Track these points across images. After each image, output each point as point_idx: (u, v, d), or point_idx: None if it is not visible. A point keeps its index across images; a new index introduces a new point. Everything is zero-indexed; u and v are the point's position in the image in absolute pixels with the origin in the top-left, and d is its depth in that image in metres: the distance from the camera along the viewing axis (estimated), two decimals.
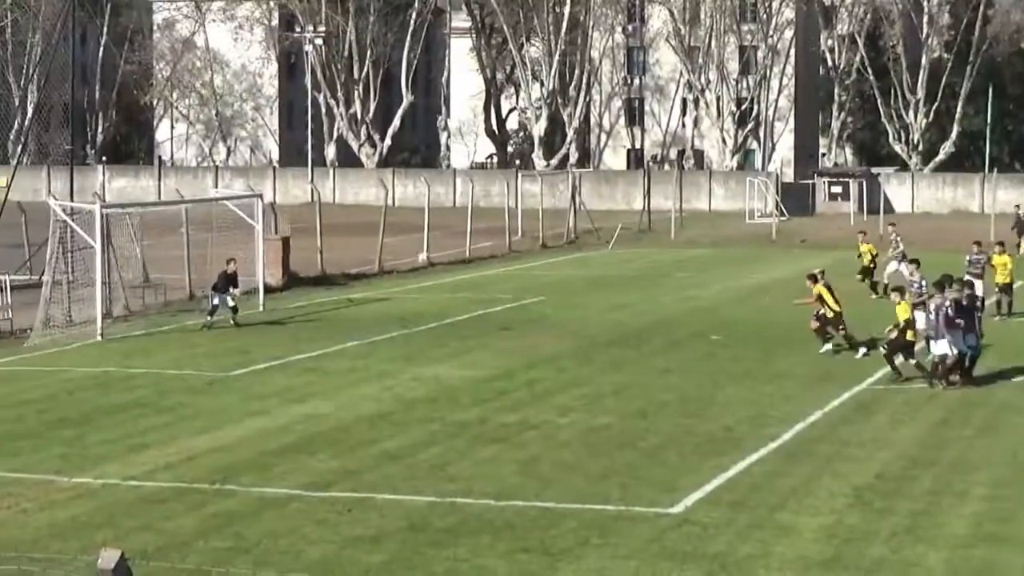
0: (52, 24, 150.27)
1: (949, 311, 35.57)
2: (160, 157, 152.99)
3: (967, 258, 47.71)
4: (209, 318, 46.24)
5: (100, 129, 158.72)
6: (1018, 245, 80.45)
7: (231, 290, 46.51)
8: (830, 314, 40.62)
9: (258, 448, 28.97)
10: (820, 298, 40.88)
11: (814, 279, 41.93)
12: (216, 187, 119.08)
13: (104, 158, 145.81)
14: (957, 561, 21.49)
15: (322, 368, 39.34)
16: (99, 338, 44.24)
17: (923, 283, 42.46)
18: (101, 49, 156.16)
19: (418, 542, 22.26)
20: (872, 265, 57.12)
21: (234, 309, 46.76)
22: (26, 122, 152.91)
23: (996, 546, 22.31)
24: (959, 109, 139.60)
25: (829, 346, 40.98)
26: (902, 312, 36.91)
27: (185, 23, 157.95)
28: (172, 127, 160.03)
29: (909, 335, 36.66)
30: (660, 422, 31.91)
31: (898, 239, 59.58)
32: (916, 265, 44.55)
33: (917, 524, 23.46)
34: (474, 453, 28.67)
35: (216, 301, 46.18)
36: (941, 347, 35.43)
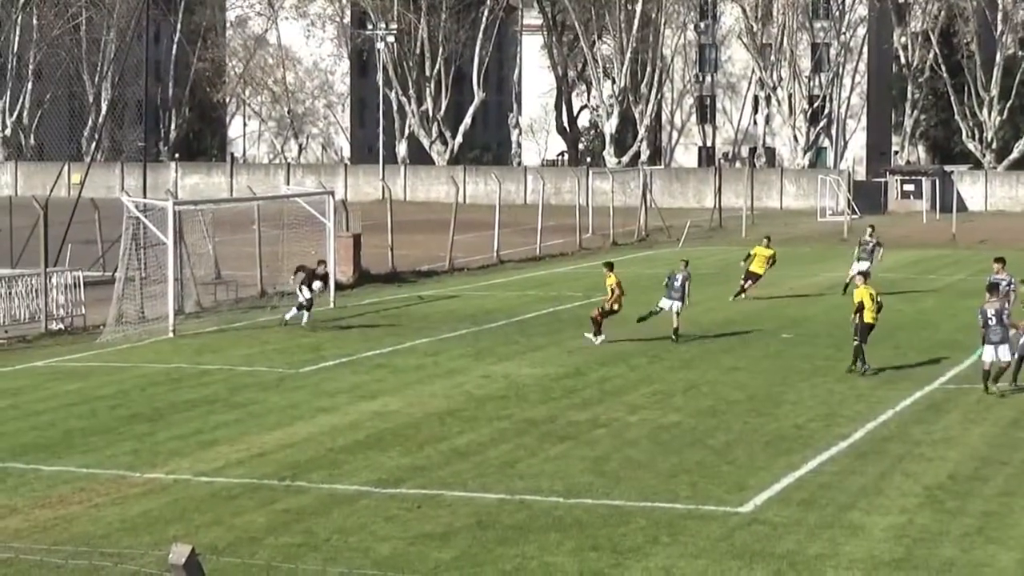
0: (126, 22, 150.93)
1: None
2: (232, 154, 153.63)
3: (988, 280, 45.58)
4: (306, 314, 45.99)
5: (173, 126, 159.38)
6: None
7: (314, 285, 46.26)
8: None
9: (328, 445, 29.10)
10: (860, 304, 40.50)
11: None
12: (288, 184, 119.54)
13: (177, 155, 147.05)
14: None
15: (392, 365, 39.46)
16: (171, 334, 44.54)
17: (1011, 281, 42.28)
18: (174, 46, 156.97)
19: (487, 539, 22.31)
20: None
21: (305, 309, 46.28)
22: (100, 119, 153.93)
23: None
24: None
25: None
26: (859, 295, 38.40)
27: (257, 20, 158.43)
28: (244, 124, 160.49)
29: (867, 317, 37.67)
30: (729, 420, 31.88)
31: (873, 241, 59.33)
32: (1003, 263, 43.96)
33: (988, 524, 23.36)
34: (543, 451, 28.70)
35: (303, 297, 45.97)
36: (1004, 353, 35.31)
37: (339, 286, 54.58)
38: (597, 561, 21.20)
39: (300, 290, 45.91)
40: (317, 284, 46.11)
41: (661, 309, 45.25)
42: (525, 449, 28.83)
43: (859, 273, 43.11)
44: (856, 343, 38.17)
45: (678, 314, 44.73)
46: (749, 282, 54.20)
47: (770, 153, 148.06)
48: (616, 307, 42.66)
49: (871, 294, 39.10)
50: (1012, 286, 41.46)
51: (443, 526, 22.98)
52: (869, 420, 31.48)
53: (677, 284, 45.51)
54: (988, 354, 34.96)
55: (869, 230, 57.39)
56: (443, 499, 24.70)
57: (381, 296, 56.06)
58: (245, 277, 54.41)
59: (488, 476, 26.45)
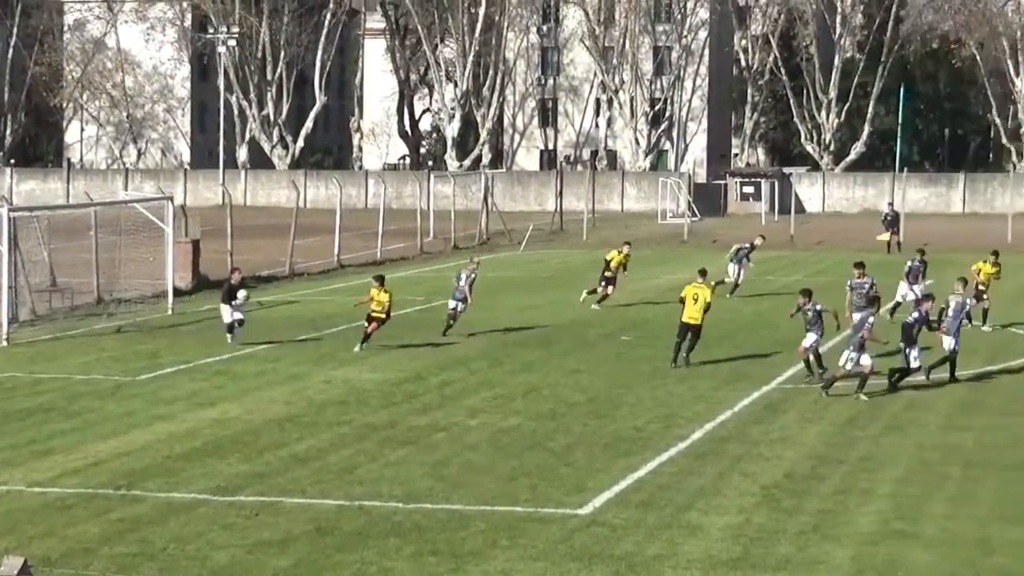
0: None
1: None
2: (69, 159, 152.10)
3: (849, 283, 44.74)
4: (230, 336, 43.69)
5: (8, 131, 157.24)
6: (889, 242, 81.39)
7: (239, 295, 43.99)
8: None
9: (165, 453, 28.80)
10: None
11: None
12: (126, 189, 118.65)
13: (12, 160, 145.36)
14: (863, 558, 21.64)
15: (231, 371, 39.24)
16: (4, 343, 43.91)
17: (873, 283, 42.99)
18: (10, 50, 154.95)
19: (326, 546, 22.22)
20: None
21: (235, 324, 43.91)
22: None
23: (901, 542, 22.49)
24: (870, 109, 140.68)
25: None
26: (685, 291, 40.17)
27: (96, 24, 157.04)
28: (82, 129, 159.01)
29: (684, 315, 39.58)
30: (570, 423, 32.01)
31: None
32: (862, 268, 44.40)
33: (824, 522, 23.64)
34: (383, 456, 28.64)
35: (228, 318, 43.70)
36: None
37: (177, 292, 54.13)
38: (436, 566, 21.18)
39: (221, 311, 44.24)
40: (241, 293, 44.06)
41: (453, 312, 46.17)
42: (365, 454, 28.77)
43: (699, 271, 43.42)
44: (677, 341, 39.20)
45: (460, 314, 46.17)
46: (609, 287, 54.29)
47: (611, 156, 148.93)
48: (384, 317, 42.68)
49: (695, 294, 39.58)
50: (874, 289, 42.01)
51: (282, 533, 22.86)
52: (708, 421, 31.77)
53: (461, 284, 46.51)
54: (842, 358, 35.47)
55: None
56: (282, 506, 24.58)
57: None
58: (81, 284, 53.83)
59: (327, 482, 26.36)
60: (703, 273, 42.23)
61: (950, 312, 36.90)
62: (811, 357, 36.75)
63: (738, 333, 45.46)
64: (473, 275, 47.14)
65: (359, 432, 30.99)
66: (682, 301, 40.12)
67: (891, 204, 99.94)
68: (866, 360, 35.10)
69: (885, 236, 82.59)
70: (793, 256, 79.62)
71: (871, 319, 35.70)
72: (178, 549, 22.01)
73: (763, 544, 22.38)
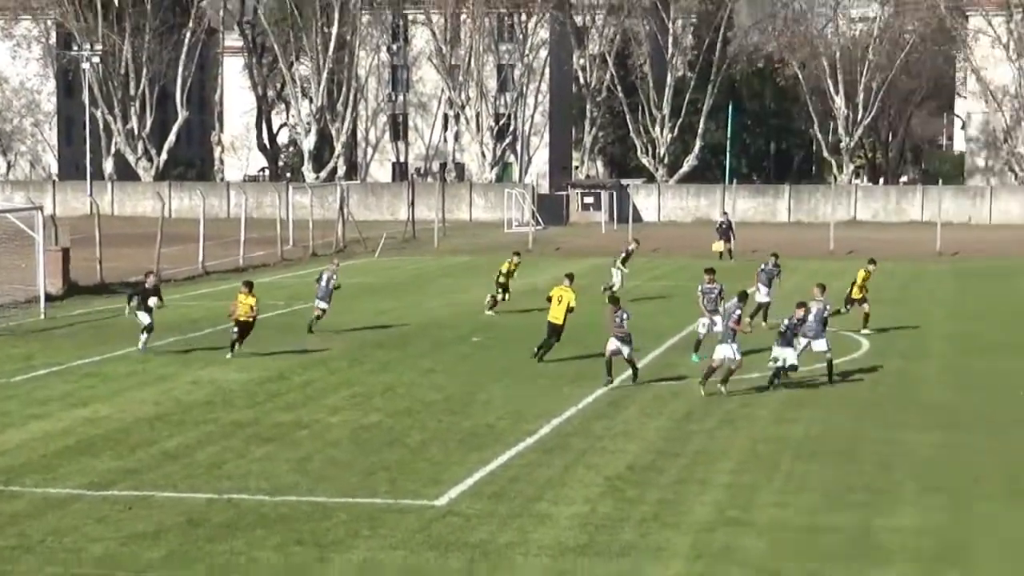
0: None
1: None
2: None
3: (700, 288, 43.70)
4: (144, 337, 41.93)
5: None
6: (722, 251, 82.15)
7: (151, 302, 41.95)
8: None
9: (40, 451, 28.54)
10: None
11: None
12: None
13: None
14: (700, 544, 21.88)
15: (102, 373, 38.87)
16: None
17: (722, 289, 43.25)
18: None
19: (197, 537, 22.16)
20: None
21: (148, 330, 42.09)
22: None
23: (736, 529, 22.75)
24: (701, 124, 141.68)
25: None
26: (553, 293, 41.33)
27: None
28: None
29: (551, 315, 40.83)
30: (425, 420, 32.06)
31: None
32: (712, 274, 44.55)
33: (664, 511, 23.85)
34: (249, 452, 28.55)
35: (146, 320, 41.86)
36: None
37: (49, 297, 53.60)
38: (302, 555, 21.21)
39: (138, 315, 42.17)
40: (153, 300, 41.94)
41: (320, 312, 46.83)
42: (232, 451, 28.66)
43: (566, 274, 43.76)
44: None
45: (324, 312, 46.94)
46: (505, 294, 54.31)
47: (460, 168, 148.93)
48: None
49: (559, 296, 39.99)
50: (723, 295, 42.22)
51: (154, 525, 22.76)
52: (554, 417, 31.90)
53: (323, 284, 47.34)
54: (720, 352, 35.63)
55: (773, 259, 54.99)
56: (154, 500, 24.46)
57: (91, 307, 55.18)
58: None
59: (197, 477, 26.26)
60: (570, 277, 42.83)
61: (811, 317, 36.91)
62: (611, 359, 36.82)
63: (584, 335, 45.61)
64: (334, 276, 47.44)
65: (226, 429, 30.85)
66: (549, 300, 41.06)
67: (725, 214, 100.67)
68: (733, 354, 35.39)
69: (719, 245, 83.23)
70: (632, 262, 79.87)
71: (738, 310, 35.80)
72: (55, 542, 21.85)
73: (608, 532, 22.57)
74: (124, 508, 23.88)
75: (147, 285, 42.36)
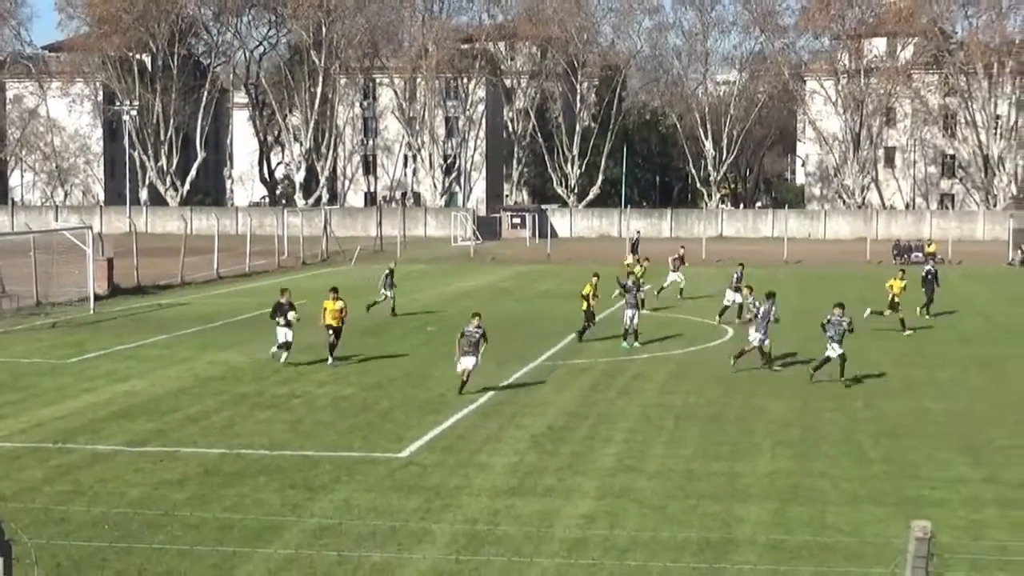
0: None
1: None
2: (12, 199, 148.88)
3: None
4: (275, 350, 36.56)
5: None
6: (636, 262, 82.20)
7: (289, 317, 36.45)
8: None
9: (89, 416, 28.37)
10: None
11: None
12: (56, 221, 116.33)
13: None
14: (604, 487, 21.90)
15: (138, 355, 38.63)
16: None
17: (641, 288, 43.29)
18: None
19: (212, 483, 22.05)
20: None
21: (286, 346, 36.50)
22: None
23: (631, 474, 22.80)
24: (602, 162, 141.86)
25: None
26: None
27: (31, 98, 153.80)
28: (22, 176, 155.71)
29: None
30: (391, 391, 31.99)
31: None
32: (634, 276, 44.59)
33: (576, 461, 23.86)
34: (253, 416, 28.42)
35: (281, 338, 36.32)
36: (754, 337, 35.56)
37: (97, 297, 53.22)
38: (295, 496, 21.12)
39: (277, 332, 36.56)
40: (291, 314, 36.44)
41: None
42: (240, 415, 28.51)
43: (593, 274, 43.65)
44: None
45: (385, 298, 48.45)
46: None
47: (416, 196, 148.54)
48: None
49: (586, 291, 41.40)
50: (643, 292, 42.18)
51: (179, 474, 22.64)
52: (491, 389, 31.85)
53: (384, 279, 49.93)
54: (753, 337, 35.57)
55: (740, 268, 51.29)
56: (179, 454, 24.31)
57: (130, 304, 54.83)
58: (24, 291, 52.65)
59: (212, 436, 26.11)
60: (596, 275, 43.94)
61: (760, 314, 35.85)
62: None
63: (511, 326, 45.57)
64: (390, 273, 47.92)
65: (235, 399, 30.70)
66: (585, 298, 42.27)
67: (638, 232, 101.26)
68: (759, 341, 35.31)
69: (630, 258, 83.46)
70: (550, 269, 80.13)
71: (772, 308, 35.60)
72: (101, 487, 21.74)
73: (533, 477, 22.57)
74: (155, 461, 23.76)
75: (282, 300, 36.86)
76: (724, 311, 47.94)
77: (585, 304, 42.10)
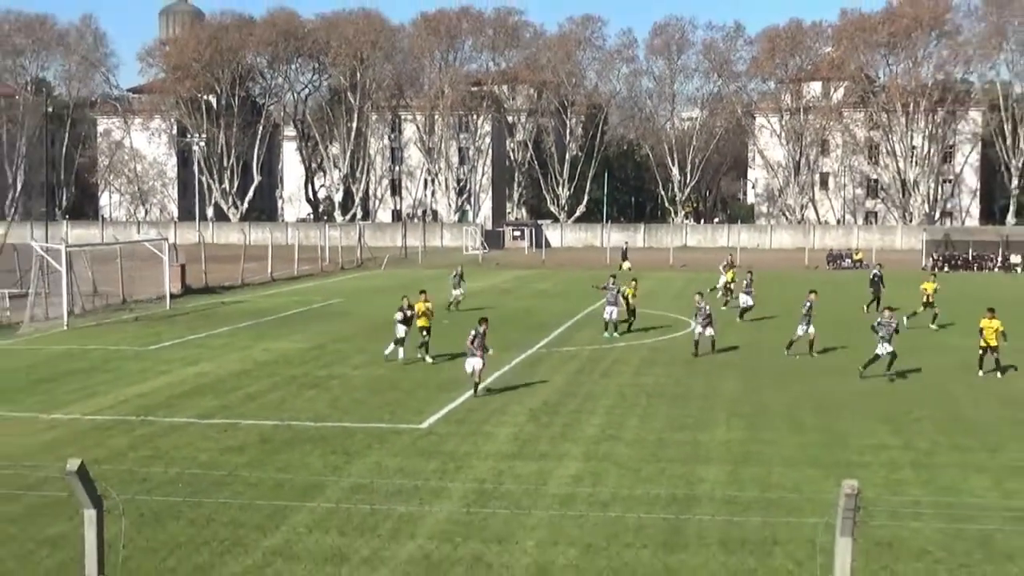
0: (33, 132, 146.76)
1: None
2: (102, 215, 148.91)
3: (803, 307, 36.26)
4: (393, 347, 34.18)
5: (64, 198, 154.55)
6: (620, 266, 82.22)
7: (407, 315, 34.32)
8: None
9: (167, 394, 28.38)
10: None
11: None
12: (138, 233, 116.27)
13: (67, 216, 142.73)
14: (589, 452, 21.90)
15: (206, 344, 38.64)
16: (65, 328, 42.90)
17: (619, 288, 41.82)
18: (64, 148, 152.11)
19: (267, 449, 22.07)
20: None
21: (402, 342, 34.09)
22: (16, 194, 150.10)
23: (612, 442, 22.79)
24: (588, 185, 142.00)
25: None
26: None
27: (117, 131, 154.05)
28: (110, 196, 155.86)
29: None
30: (414, 374, 31.96)
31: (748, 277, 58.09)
32: (614, 278, 43.45)
33: (566, 431, 23.87)
34: (301, 394, 28.43)
35: (400, 334, 34.08)
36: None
37: (172, 296, 53.31)
38: (335, 460, 21.14)
39: (396, 327, 34.37)
40: (406, 315, 34.41)
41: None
42: (290, 393, 28.52)
43: (632, 279, 43.00)
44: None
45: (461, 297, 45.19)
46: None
47: (434, 213, 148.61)
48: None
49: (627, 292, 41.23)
50: (621, 292, 41.53)
51: (240, 442, 22.66)
52: (496, 371, 31.75)
53: (454, 277, 49.83)
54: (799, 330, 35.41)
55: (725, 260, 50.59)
56: (239, 425, 24.33)
57: (199, 302, 54.84)
58: (112, 291, 52.69)
59: (268, 410, 26.13)
60: (635, 280, 44.27)
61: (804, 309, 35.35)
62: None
63: (512, 319, 45.59)
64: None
65: (285, 380, 30.69)
66: (625, 298, 41.73)
67: (627, 243, 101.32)
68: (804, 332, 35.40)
69: (627, 264, 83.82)
70: (544, 273, 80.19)
71: (809, 303, 35.51)
72: (176, 452, 21.76)
73: (531, 444, 22.58)
74: (220, 431, 23.78)
75: (404, 309, 34.53)
76: (743, 313, 45.89)
77: (626, 303, 41.65)
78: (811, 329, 35.48)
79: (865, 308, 48.61)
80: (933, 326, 42.79)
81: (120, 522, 15.62)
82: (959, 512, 17.63)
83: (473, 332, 27.93)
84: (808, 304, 35.67)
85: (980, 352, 31.59)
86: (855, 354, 36.64)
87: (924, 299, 44.57)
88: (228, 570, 14.87)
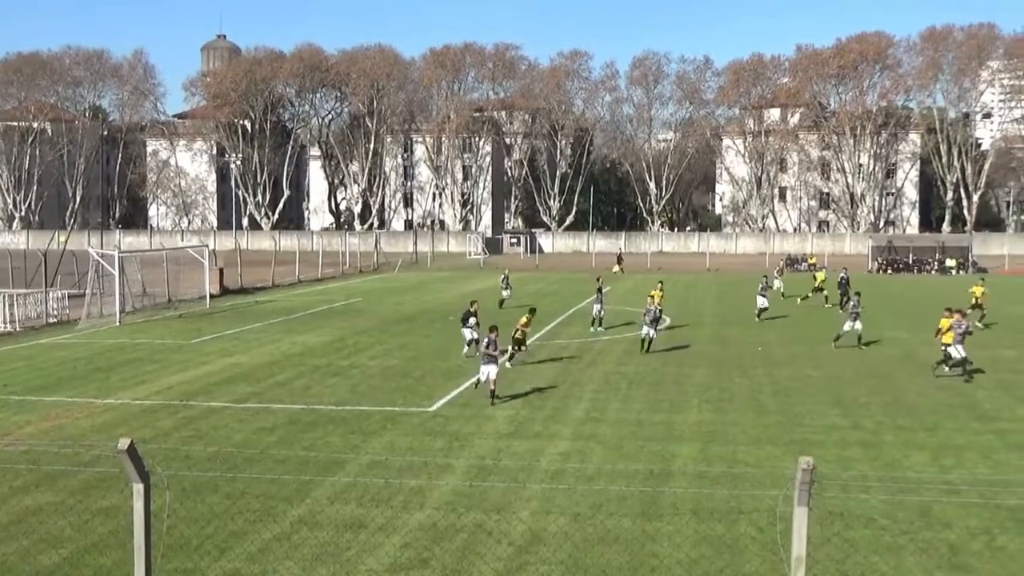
0: (90, 153, 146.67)
1: None
2: (151, 225, 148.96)
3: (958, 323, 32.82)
4: (467, 348, 32.57)
5: (117, 210, 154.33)
6: (620, 269, 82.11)
7: (471, 322, 32.85)
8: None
9: (205, 381, 28.26)
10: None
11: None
12: (182, 241, 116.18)
13: (120, 226, 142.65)
14: (577, 432, 21.78)
15: (241, 338, 38.54)
16: (117, 324, 42.83)
17: (601, 295, 42.50)
18: (118, 166, 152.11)
19: (295, 429, 21.95)
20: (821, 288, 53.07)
21: (473, 342, 32.21)
22: (76, 205, 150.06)
23: (596, 424, 22.69)
24: (576, 198, 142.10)
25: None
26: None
27: (164, 151, 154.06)
28: (158, 208, 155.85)
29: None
30: (423, 363, 31.85)
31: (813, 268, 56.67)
32: (598, 280, 44.04)
33: (557, 413, 23.77)
34: (325, 381, 28.31)
35: (468, 336, 32.71)
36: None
37: (212, 296, 53.24)
38: (354, 439, 21.02)
39: (463, 331, 33.15)
40: (472, 320, 32.89)
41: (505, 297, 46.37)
42: (315, 381, 28.39)
43: (658, 280, 41.98)
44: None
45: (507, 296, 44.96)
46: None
47: (442, 222, 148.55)
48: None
49: (652, 294, 37.58)
50: (602, 296, 41.35)
51: (270, 423, 22.55)
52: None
53: (503, 281, 48.49)
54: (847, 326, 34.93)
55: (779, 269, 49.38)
56: (270, 409, 24.23)
57: (235, 301, 54.74)
58: (159, 292, 52.59)
59: (295, 396, 26.02)
60: (660, 283, 43.87)
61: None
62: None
63: (512, 316, 45.37)
64: (506, 277, 44.31)
65: (311, 369, 30.58)
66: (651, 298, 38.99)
67: (621, 249, 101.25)
68: (859, 325, 34.92)
69: (617, 267, 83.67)
70: (538, 275, 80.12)
71: (856, 299, 35.64)
72: (215, 432, 21.65)
73: (526, 425, 22.46)
74: (253, 414, 23.66)
75: (471, 309, 33.33)
76: (759, 313, 44.21)
77: (650, 302, 40.36)
78: (858, 324, 34.94)
79: (831, 305, 48.78)
80: (979, 324, 41.15)
81: (165, 495, 15.56)
82: (901, 485, 17.57)
83: (487, 339, 25.20)
84: (855, 302, 35.62)
85: (943, 350, 29.27)
86: (811, 346, 36.57)
87: (972, 301, 43.15)
88: (259, 537, 14.79)
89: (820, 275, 54.66)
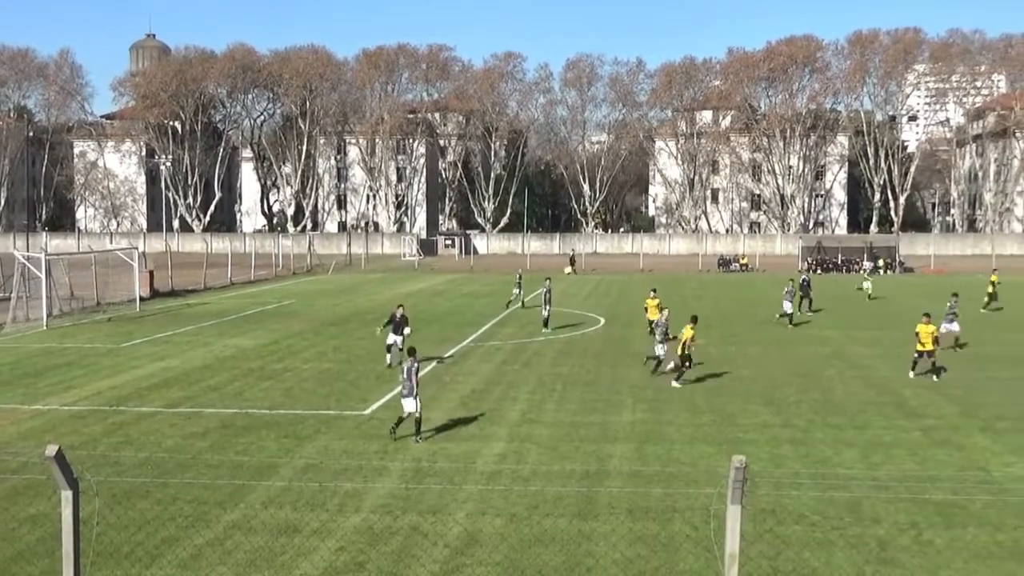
0: (15, 154, 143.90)
1: None
2: (78, 227, 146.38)
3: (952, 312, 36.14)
4: (389, 356, 31.11)
5: (44, 212, 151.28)
6: (572, 271, 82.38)
7: (404, 331, 30.62)
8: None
9: (137, 386, 27.83)
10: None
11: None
12: (111, 243, 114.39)
13: (46, 228, 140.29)
14: (512, 433, 21.82)
15: (172, 341, 38.02)
16: (44, 328, 42.00)
17: (548, 290, 42.07)
18: (44, 167, 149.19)
19: (227, 434, 21.70)
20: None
21: (393, 346, 30.96)
22: (0, 208, 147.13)
23: (531, 425, 22.73)
24: (510, 199, 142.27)
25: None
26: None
27: (92, 153, 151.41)
28: (86, 210, 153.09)
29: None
30: (357, 366, 31.69)
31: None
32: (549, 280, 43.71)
33: (492, 416, 23.77)
34: (258, 385, 28.03)
35: (390, 340, 31.10)
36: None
37: (142, 299, 52.46)
38: (288, 443, 20.84)
39: (389, 336, 31.21)
40: (407, 330, 30.74)
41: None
42: (247, 384, 28.10)
43: (651, 289, 41.96)
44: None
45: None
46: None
47: (376, 224, 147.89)
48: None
49: (647, 305, 37.33)
50: (548, 293, 41.05)
51: (203, 428, 22.27)
52: (429, 364, 31.60)
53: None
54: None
55: (795, 278, 47.52)
56: (202, 413, 23.93)
57: (166, 304, 54.00)
58: (87, 295, 51.71)
59: (228, 400, 25.72)
60: (654, 290, 42.54)
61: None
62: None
63: (444, 317, 45.41)
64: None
65: (244, 372, 30.27)
66: (646, 310, 39.33)
67: (573, 250, 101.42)
68: (956, 327, 35.18)
69: (570, 268, 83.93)
70: (472, 277, 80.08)
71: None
72: (145, 438, 21.33)
73: (460, 427, 22.44)
74: (185, 418, 23.36)
75: (397, 315, 31.21)
76: (782, 317, 42.93)
77: (661, 317, 39.47)
78: (954, 326, 34.92)
79: (801, 311, 47.89)
80: (983, 310, 44.49)
81: (94, 501, 15.29)
82: (832, 482, 17.83)
83: (406, 367, 21.22)
84: (950, 304, 35.89)
85: (915, 355, 29.19)
86: (743, 347, 36.97)
87: (989, 290, 46.24)
88: (192, 543, 14.60)
89: (994, 277, 51.43)
